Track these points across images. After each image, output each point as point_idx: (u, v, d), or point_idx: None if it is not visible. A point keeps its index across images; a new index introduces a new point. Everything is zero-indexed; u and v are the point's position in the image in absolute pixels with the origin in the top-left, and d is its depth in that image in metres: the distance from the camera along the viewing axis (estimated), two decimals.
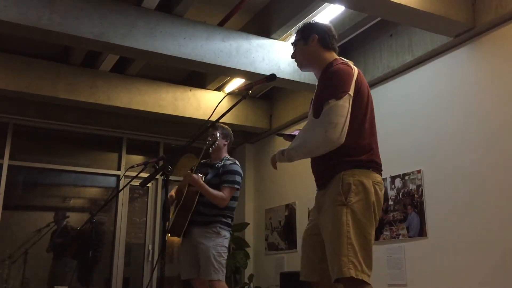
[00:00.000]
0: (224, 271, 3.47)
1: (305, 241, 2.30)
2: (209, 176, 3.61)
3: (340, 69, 2.19)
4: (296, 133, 2.50)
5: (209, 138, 3.55)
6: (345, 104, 2.09)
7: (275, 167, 2.42)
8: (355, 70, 2.23)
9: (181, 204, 3.51)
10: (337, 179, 2.11)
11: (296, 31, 2.46)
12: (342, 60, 2.30)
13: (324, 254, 2.14)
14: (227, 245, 3.56)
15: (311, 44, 2.35)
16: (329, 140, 2.06)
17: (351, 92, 2.13)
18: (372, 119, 2.26)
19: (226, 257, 3.51)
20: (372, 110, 2.27)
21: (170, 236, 3.70)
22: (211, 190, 3.49)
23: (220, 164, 3.67)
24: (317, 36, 2.35)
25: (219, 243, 3.49)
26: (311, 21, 2.48)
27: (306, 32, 2.39)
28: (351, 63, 2.30)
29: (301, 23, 2.50)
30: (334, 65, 2.23)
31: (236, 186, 3.59)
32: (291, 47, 2.48)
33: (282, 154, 2.27)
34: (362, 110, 2.19)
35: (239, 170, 3.66)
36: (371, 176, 2.13)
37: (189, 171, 3.54)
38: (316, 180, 2.32)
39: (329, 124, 2.06)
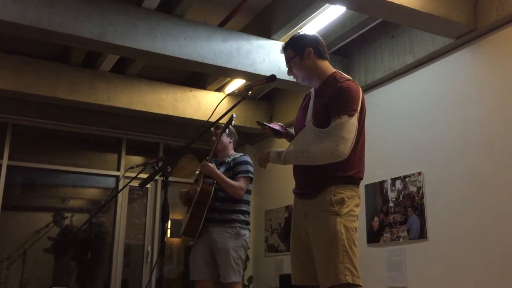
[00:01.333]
0: (242, 272, 3.43)
1: (296, 246, 2.34)
2: (221, 170, 3.53)
3: (352, 87, 2.25)
4: (276, 126, 2.51)
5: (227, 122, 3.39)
6: (355, 122, 2.18)
7: (264, 167, 2.45)
8: (360, 88, 2.30)
9: (196, 200, 3.38)
10: (329, 191, 2.19)
11: (284, 48, 2.44)
12: (343, 74, 2.35)
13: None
14: (246, 245, 3.49)
15: (307, 57, 2.36)
16: (338, 154, 2.14)
17: (358, 110, 2.21)
18: (364, 135, 2.34)
19: (244, 257, 3.46)
20: (364, 125, 2.33)
21: (185, 236, 3.58)
22: (227, 179, 3.42)
23: (230, 159, 3.62)
24: (311, 49, 2.36)
25: (238, 245, 3.41)
26: (298, 35, 2.45)
27: (299, 46, 2.38)
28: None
29: (288, 40, 2.48)
30: (343, 81, 2.27)
31: (251, 175, 3.54)
32: (285, 61, 2.46)
33: (279, 156, 2.30)
34: (360, 127, 2.25)
35: (250, 161, 3.62)
36: (356, 191, 2.26)
37: (204, 161, 3.44)
38: (299, 189, 2.35)
39: (341, 139, 2.13)
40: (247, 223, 3.53)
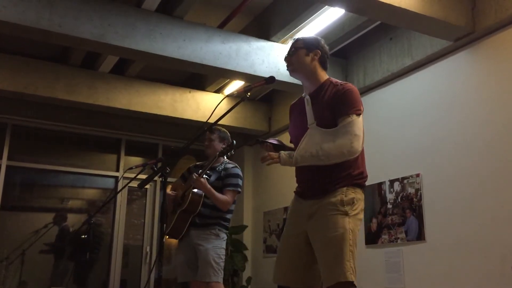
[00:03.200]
0: (222, 273, 3.48)
1: (288, 246, 2.33)
2: (212, 179, 3.59)
3: (354, 89, 2.35)
4: (275, 141, 2.53)
5: (225, 146, 3.49)
6: (361, 121, 2.27)
7: (268, 164, 2.38)
8: None
9: (185, 208, 3.48)
10: (339, 192, 2.23)
11: (297, 38, 2.51)
12: (339, 80, 2.42)
13: (310, 261, 2.24)
14: (225, 247, 3.58)
15: (313, 57, 2.42)
16: (353, 151, 2.22)
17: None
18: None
19: (224, 259, 3.53)
20: None
21: (168, 238, 3.66)
22: (217, 194, 3.50)
23: (221, 168, 3.65)
24: (320, 53, 2.43)
25: (218, 245, 3.50)
26: (314, 37, 2.54)
27: (312, 44, 2.45)
28: None
29: (306, 36, 2.56)
30: (343, 84, 2.36)
31: (239, 190, 3.62)
32: (287, 49, 2.50)
33: (290, 157, 2.29)
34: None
35: (241, 174, 3.69)
36: (362, 195, 2.32)
37: (196, 175, 3.48)
38: (307, 190, 2.35)
39: (354, 136, 2.21)
40: (227, 227, 3.63)
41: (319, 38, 2.53)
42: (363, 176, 2.33)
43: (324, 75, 2.45)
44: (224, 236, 3.58)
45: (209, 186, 3.49)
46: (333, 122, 2.26)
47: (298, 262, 2.27)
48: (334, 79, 2.42)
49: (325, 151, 2.22)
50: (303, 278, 2.24)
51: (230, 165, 3.69)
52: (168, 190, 3.71)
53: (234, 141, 3.46)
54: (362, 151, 2.32)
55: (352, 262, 2.11)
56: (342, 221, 2.15)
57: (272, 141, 2.54)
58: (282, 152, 2.33)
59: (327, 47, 2.51)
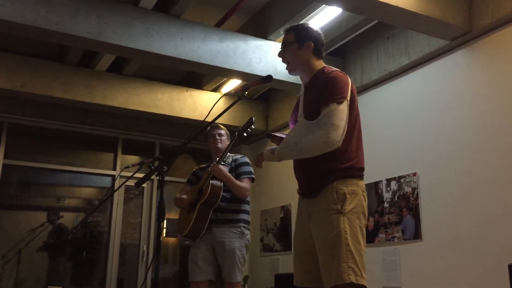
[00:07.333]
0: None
1: (299, 247, 2.30)
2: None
3: (339, 75, 2.23)
4: (282, 135, 2.50)
5: (245, 123, 3.41)
6: (345, 109, 2.13)
7: (260, 166, 2.45)
8: (349, 78, 2.28)
9: (206, 200, 3.34)
10: (330, 188, 2.15)
11: (288, 30, 2.41)
12: (332, 68, 2.33)
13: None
14: (249, 244, 3.49)
15: (305, 50, 2.34)
16: (330, 142, 2.09)
17: (348, 98, 2.17)
18: (360, 125, 2.30)
19: (246, 257, 3.46)
20: (359, 117, 2.30)
21: (187, 238, 3.48)
22: (236, 181, 3.42)
23: (229, 160, 3.60)
24: (312, 44, 2.34)
25: (242, 244, 3.40)
26: (306, 25, 2.42)
27: (302, 36, 2.35)
28: None
29: (294, 24, 2.45)
30: (331, 72, 2.26)
31: (253, 176, 3.55)
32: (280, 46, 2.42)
33: (272, 153, 2.29)
34: (353, 117, 2.22)
35: (249, 161, 3.63)
36: (359, 185, 2.22)
37: (214, 163, 3.41)
38: (302, 188, 2.32)
39: (331, 126, 2.09)
40: (249, 222, 3.54)
41: (311, 26, 2.41)
42: (354, 169, 2.20)
43: (318, 64, 2.35)
44: (247, 232, 3.48)
45: (227, 173, 3.42)
46: (319, 113, 2.16)
47: (310, 263, 2.21)
48: (328, 68, 2.32)
49: (303, 144, 2.16)
50: (316, 277, 2.18)
51: (238, 156, 3.66)
52: (178, 195, 3.60)
53: (253, 117, 3.39)
54: (357, 141, 2.24)
55: (352, 262, 2.04)
56: (336, 221, 2.08)
57: (281, 135, 2.52)
58: (266, 149, 2.32)
59: (319, 34, 2.39)
